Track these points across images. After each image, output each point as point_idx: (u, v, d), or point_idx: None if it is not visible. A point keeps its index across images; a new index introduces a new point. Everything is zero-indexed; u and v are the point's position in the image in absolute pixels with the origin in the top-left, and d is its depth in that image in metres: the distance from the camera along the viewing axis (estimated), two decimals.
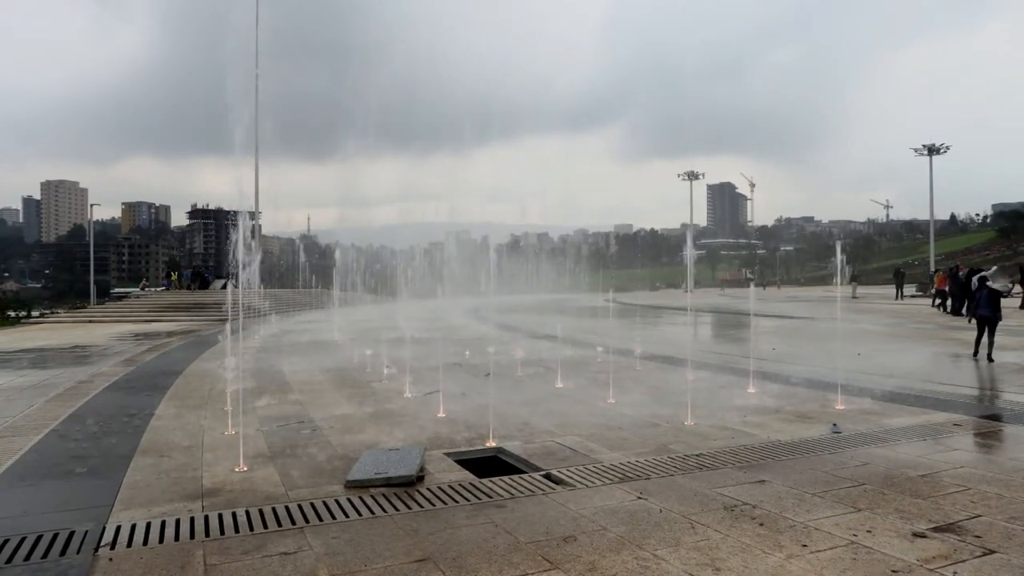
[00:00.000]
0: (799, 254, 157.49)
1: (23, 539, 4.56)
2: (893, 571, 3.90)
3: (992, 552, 4.13)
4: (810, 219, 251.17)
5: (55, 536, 4.61)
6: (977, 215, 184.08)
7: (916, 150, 57.06)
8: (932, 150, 56.46)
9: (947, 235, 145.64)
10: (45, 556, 4.30)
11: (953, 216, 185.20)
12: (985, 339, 13.38)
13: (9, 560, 4.23)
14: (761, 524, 4.65)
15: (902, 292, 40.33)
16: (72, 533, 4.66)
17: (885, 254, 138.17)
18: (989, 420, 7.91)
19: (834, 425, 7.59)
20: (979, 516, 4.74)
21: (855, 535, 4.43)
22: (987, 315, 13.40)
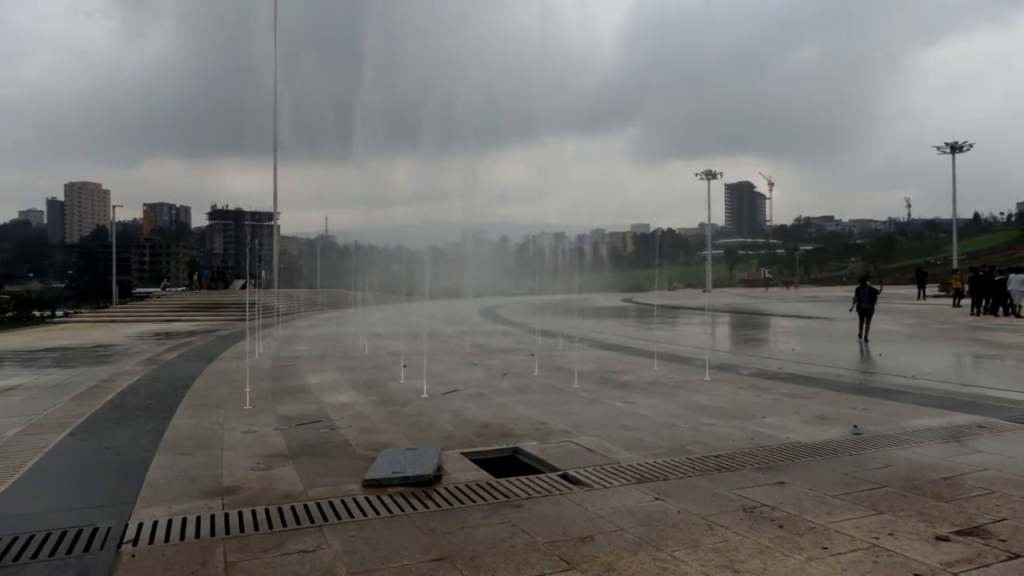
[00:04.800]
0: (818, 253, 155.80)
1: (48, 535, 4.62)
2: (915, 575, 3.85)
3: (1017, 556, 4.06)
4: (830, 218, 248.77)
5: (79, 532, 4.67)
6: (1001, 213, 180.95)
7: (939, 148, 56.30)
8: (955, 148, 55.62)
9: (970, 234, 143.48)
10: (69, 552, 4.36)
11: (977, 215, 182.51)
12: (865, 325, 17.56)
13: (35, 556, 4.30)
14: (780, 526, 4.61)
15: (924, 292, 39.83)
16: (95, 530, 4.72)
17: (907, 253, 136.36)
18: (1015, 422, 7.78)
19: (855, 426, 7.50)
20: (1004, 519, 4.67)
21: (876, 538, 4.37)
22: (867, 308, 17.56)
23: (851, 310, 18.48)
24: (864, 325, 17.68)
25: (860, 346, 16.62)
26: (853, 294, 18.78)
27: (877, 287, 19.46)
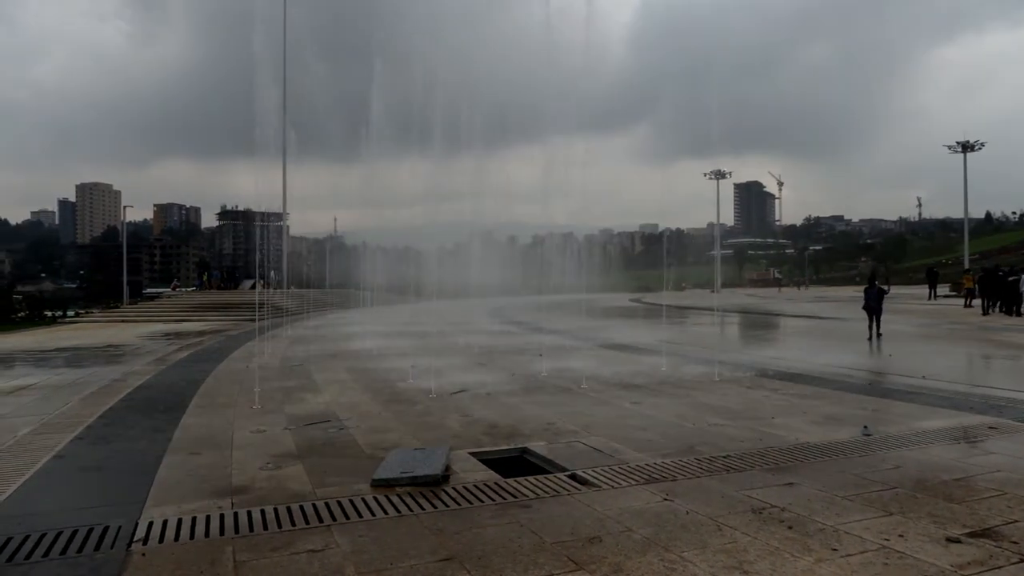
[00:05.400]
0: (828, 253, 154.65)
1: (59, 534, 4.66)
2: None
3: None
4: (840, 218, 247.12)
5: (89, 531, 4.70)
6: (1013, 213, 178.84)
7: (950, 147, 55.80)
8: (966, 147, 55.11)
9: (982, 233, 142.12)
10: (80, 551, 4.39)
11: (988, 214, 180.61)
12: (874, 323, 17.98)
13: (46, 554, 4.33)
14: (790, 527, 4.59)
15: (935, 292, 39.57)
16: (106, 528, 4.75)
17: (918, 253, 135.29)
18: None
19: (865, 427, 7.46)
20: (1016, 521, 4.63)
21: (887, 539, 4.35)
22: (874, 307, 17.92)
23: (862, 307, 18.74)
24: (873, 323, 17.90)
25: (870, 346, 16.56)
26: (862, 293, 19.09)
27: (885, 287, 19.85)
